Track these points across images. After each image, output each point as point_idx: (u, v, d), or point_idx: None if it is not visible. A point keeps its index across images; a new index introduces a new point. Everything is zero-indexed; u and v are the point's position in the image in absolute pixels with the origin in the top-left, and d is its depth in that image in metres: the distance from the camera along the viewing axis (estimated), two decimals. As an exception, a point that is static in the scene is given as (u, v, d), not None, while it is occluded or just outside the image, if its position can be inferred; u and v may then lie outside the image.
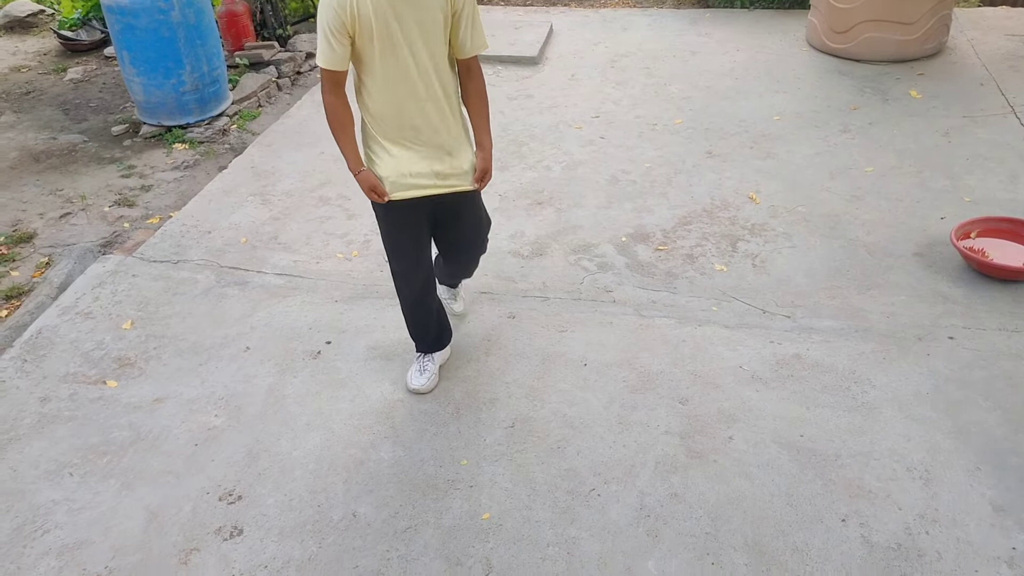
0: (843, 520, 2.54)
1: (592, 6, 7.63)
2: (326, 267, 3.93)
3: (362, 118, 2.67)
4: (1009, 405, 2.93)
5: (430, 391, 3.12)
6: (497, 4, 7.81)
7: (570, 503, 2.65)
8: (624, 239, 4.07)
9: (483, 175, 2.79)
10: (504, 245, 4.03)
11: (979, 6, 6.95)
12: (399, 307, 3.59)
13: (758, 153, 4.80)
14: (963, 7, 6.86)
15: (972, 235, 3.78)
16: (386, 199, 2.69)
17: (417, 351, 3.17)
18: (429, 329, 3.11)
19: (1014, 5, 6.76)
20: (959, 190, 4.28)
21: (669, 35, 6.68)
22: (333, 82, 2.54)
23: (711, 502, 2.64)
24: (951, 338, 3.27)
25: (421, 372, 3.13)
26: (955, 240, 3.66)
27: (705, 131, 5.10)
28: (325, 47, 2.45)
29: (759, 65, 6.00)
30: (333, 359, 3.33)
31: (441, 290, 3.42)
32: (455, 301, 3.49)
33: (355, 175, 2.68)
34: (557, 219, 4.26)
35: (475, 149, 2.78)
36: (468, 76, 2.70)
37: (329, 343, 3.41)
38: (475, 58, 2.66)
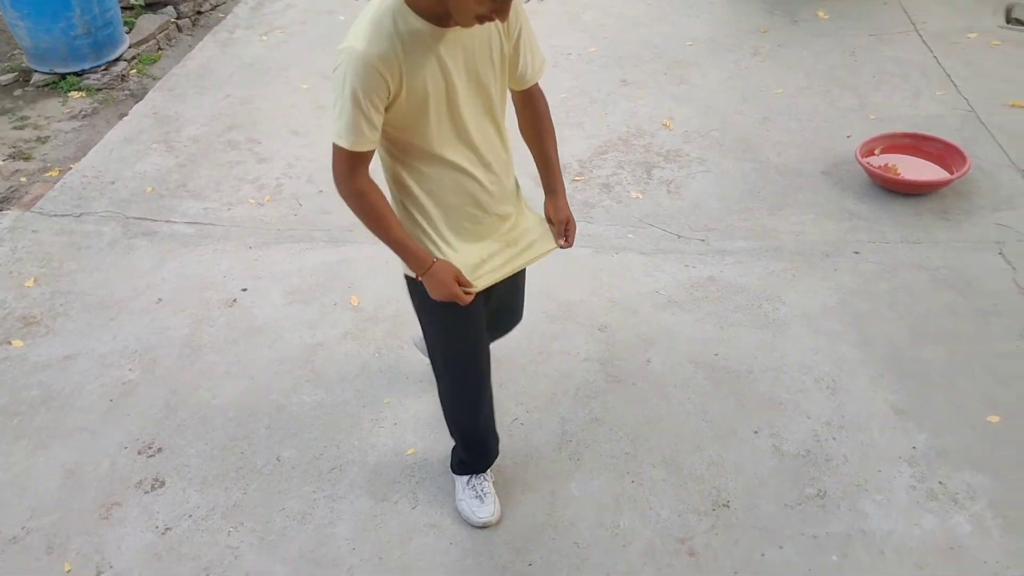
0: (755, 432, 2.65)
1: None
2: (238, 214, 3.82)
3: (398, 212, 1.93)
4: (911, 314, 3.07)
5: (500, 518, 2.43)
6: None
7: (494, 433, 2.69)
8: (541, 171, 4.05)
9: (568, 227, 2.13)
10: (421, 182, 3.98)
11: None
12: (315, 251, 3.54)
13: (672, 79, 4.81)
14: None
15: (876, 152, 3.88)
16: (472, 291, 1.97)
17: (466, 473, 2.44)
18: (489, 447, 2.43)
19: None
20: (865, 108, 4.39)
21: (582, -38, 6.57)
22: (359, 164, 1.76)
23: (630, 423, 2.72)
24: (857, 253, 3.39)
25: (483, 498, 2.40)
26: (860, 157, 3.76)
27: (619, 59, 5.08)
28: (357, 122, 1.68)
29: (672, -10, 5.97)
30: (250, 306, 3.27)
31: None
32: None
33: (425, 272, 1.90)
34: (474, 154, 4.21)
35: (546, 194, 2.17)
36: (531, 105, 2.06)
37: (245, 290, 3.34)
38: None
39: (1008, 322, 2.98)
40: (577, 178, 3.98)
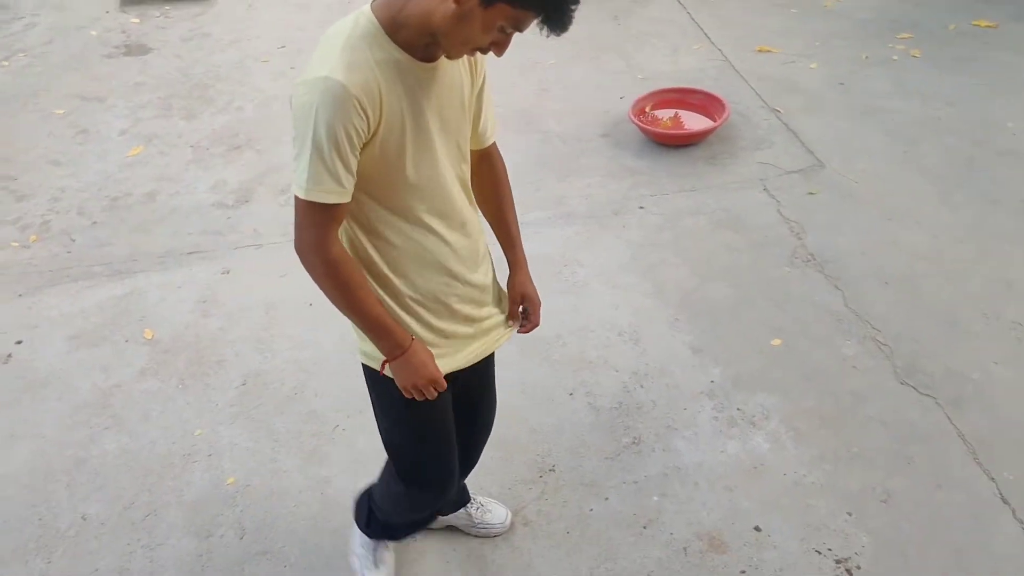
0: (571, 394, 2.75)
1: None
2: (0, 260, 3.47)
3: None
4: (694, 258, 3.29)
5: None
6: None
7: (317, 444, 2.63)
8: (332, 169, 3.96)
9: (534, 307, 1.87)
10: (205, 198, 3.79)
11: None
12: (97, 288, 3.30)
13: (451, 61, 4.84)
14: None
15: (647, 109, 4.11)
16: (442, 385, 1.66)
17: (376, 537, 2.21)
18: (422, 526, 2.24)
19: None
20: (632, 69, 4.62)
21: (346, -50, 6.45)
22: (332, 222, 1.43)
23: (452, 408, 2.73)
24: (641, 208, 3.58)
25: (377, 565, 2.21)
26: (633, 116, 3.96)
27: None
28: (332, 167, 1.36)
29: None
30: (29, 359, 2.99)
31: (462, 514, 2.33)
32: (490, 510, 2.35)
33: (402, 354, 1.57)
34: (259, 161, 4.06)
35: (511, 270, 1.86)
36: (490, 166, 1.77)
37: (20, 343, 3.05)
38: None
39: (776, 251, 3.26)
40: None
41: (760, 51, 4.67)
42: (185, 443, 2.65)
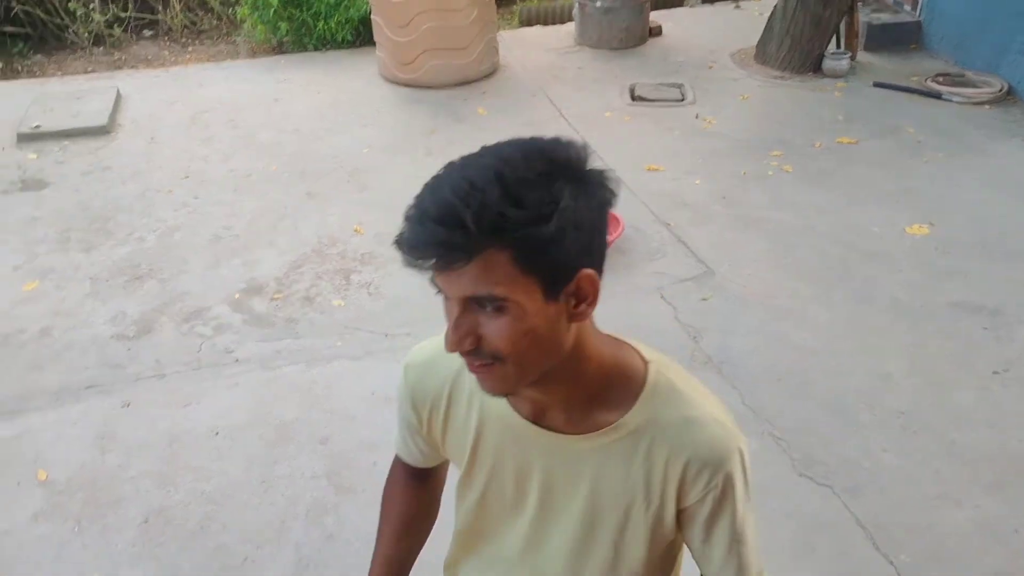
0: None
1: (162, 66, 7.29)
2: None
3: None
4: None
5: None
6: (53, 75, 7.12)
7: (224, 580, 2.53)
8: (238, 296, 3.96)
9: None
10: (104, 331, 3.70)
11: (519, 27, 7.91)
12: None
13: (355, 186, 4.98)
14: (506, 30, 7.76)
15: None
16: None
17: None
18: None
19: (545, 24, 7.81)
20: (531, 190, 4.85)
21: (249, 85, 6.63)
22: (398, 467, 1.41)
23: (366, 531, 2.64)
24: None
25: None
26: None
27: (301, 173, 5.16)
28: (400, 426, 1.31)
29: (342, 103, 6.21)
30: (-94, 511, 2.79)
31: None
32: None
33: None
34: (161, 290, 4.01)
35: None
36: None
37: None
38: None
39: (676, 354, 3.38)
40: (277, 296, 3.95)
41: (649, 169, 4.99)
42: (81, 590, 2.51)
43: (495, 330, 0.92)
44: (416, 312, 3.79)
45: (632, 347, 1.10)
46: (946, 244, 4.14)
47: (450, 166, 0.94)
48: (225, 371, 3.44)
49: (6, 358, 3.54)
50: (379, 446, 3.01)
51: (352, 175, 5.12)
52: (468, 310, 0.93)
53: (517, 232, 0.86)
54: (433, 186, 0.91)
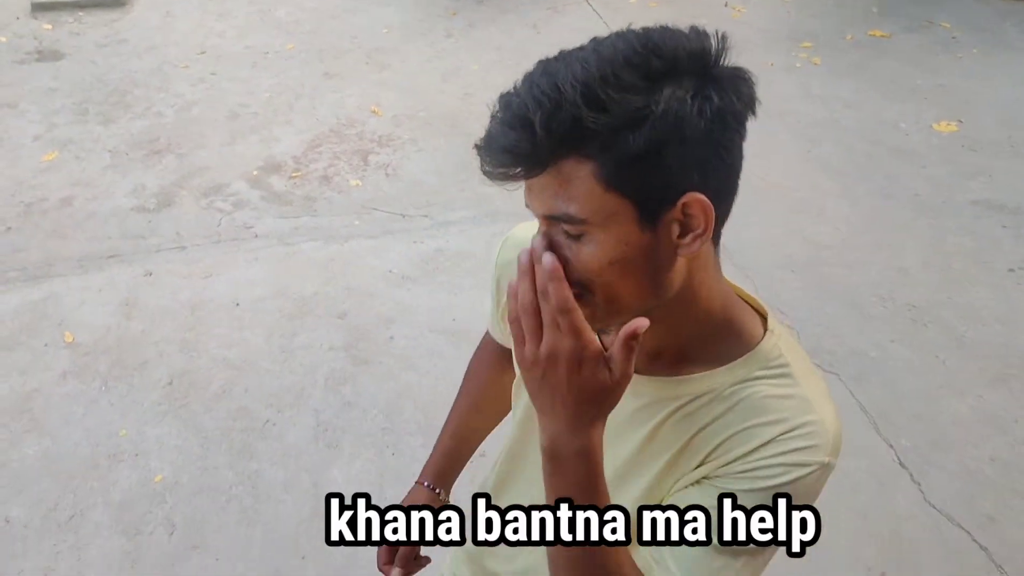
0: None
1: (176, -65, 7.05)
2: (-93, 267, 3.35)
3: None
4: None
5: None
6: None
7: (246, 440, 2.63)
8: (256, 172, 3.96)
9: None
10: (125, 202, 3.73)
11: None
12: (11, 293, 3.24)
13: (374, 67, 4.89)
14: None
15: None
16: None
17: None
18: None
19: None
20: (552, 75, 4.75)
21: (265, -41, 6.43)
22: (486, 339, 1.32)
23: (382, 400, 2.78)
24: (563, 205, 3.69)
25: None
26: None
27: (319, 52, 5.06)
28: (488, 302, 1.23)
29: (361, -19, 6.03)
30: (-60, 366, 2.90)
31: None
32: None
33: (414, 484, 1.32)
34: (180, 165, 4.02)
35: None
36: None
37: (-70, 350, 2.96)
38: None
39: (692, 243, 3.42)
40: (295, 174, 3.95)
41: (673, 58, 4.87)
42: (110, 444, 2.62)
43: (578, 255, 0.77)
44: (433, 195, 3.80)
45: (756, 309, 0.92)
46: (973, 142, 4.07)
47: (543, 62, 0.78)
48: (244, 246, 3.48)
49: (29, 225, 3.59)
50: (396, 322, 3.08)
51: (370, 55, 5.02)
52: (552, 230, 0.78)
53: (597, 141, 0.72)
54: (520, 84, 0.76)
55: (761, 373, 0.85)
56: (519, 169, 0.75)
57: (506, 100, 0.76)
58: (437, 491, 1.29)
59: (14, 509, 2.42)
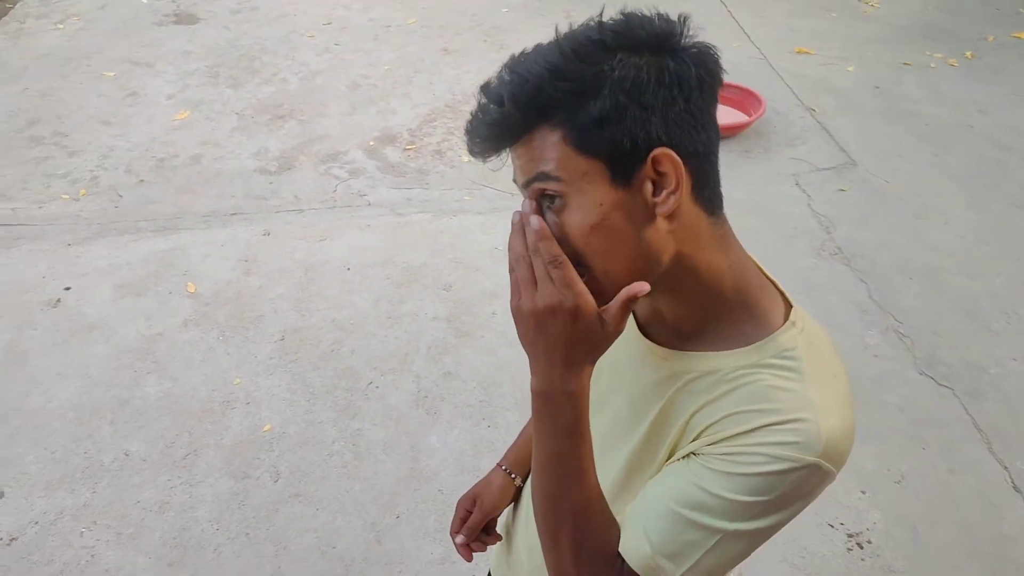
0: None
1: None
2: (51, 211, 3.60)
3: None
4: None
5: None
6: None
7: (350, 399, 2.73)
8: (372, 143, 4.07)
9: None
10: (249, 164, 3.90)
11: None
12: (142, 242, 3.42)
13: (492, 45, 4.93)
14: None
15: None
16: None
17: None
18: None
19: None
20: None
21: (392, -66, 6.55)
22: None
23: (482, 373, 2.83)
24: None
25: None
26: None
27: (440, 28, 5.14)
28: None
29: (484, -41, 6.08)
30: (77, 305, 3.11)
31: None
32: None
33: (492, 470, 1.35)
34: (301, 131, 4.16)
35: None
36: None
37: (69, 289, 3.17)
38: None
39: (804, 242, 3.33)
40: (409, 147, 4.03)
41: (798, 52, 4.72)
42: (224, 391, 2.76)
43: (562, 227, 0.81)
44: (543, 175, 3.81)
45: (781, 297, 0.91)
46: (1121, 157, 3.81)
47: (520, 51, 0.84)
48: (358, 212, 3.59)
49: (162, 179, 3.80)
50: (499, 297, 3.12)
51: (489, 33, 5.06)
52: (540, 205, 0.82)
53: (562, 108, 0.77)
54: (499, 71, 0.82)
55: (770, 362, 0.84)
56: (496, 142, 0.80)
57: (485, 86, 0.81)
58: (513, 476, 1.32)
59: (134, 444, 2.59)
